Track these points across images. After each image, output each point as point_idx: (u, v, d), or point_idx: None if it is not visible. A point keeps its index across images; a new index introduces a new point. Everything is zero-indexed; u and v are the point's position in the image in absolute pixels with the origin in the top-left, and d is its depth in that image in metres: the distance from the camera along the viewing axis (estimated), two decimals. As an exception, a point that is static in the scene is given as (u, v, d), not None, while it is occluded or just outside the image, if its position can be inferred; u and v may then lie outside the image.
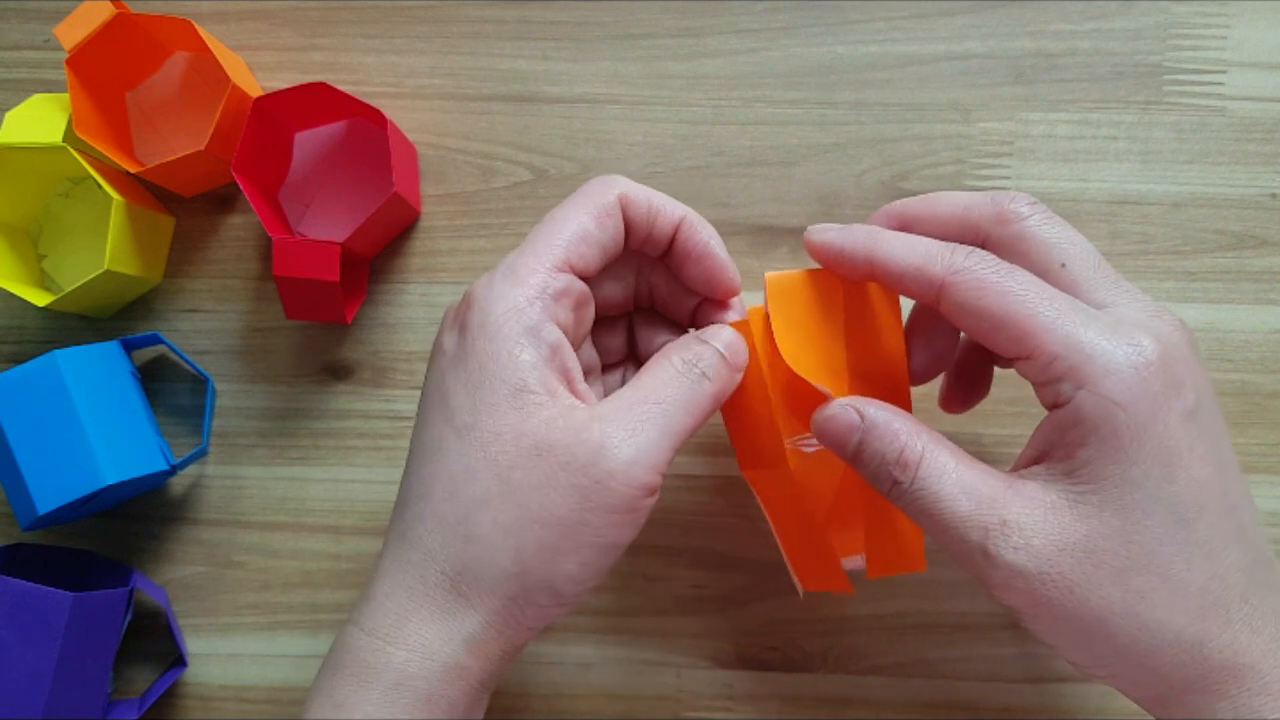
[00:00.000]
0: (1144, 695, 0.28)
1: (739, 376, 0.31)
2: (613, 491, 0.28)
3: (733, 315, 0.34)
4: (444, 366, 0.30)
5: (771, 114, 0.43)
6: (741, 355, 0.31)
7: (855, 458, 0.30)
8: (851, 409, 0.30)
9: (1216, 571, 0.27)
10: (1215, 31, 0.42)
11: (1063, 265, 0.29)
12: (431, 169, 0.43)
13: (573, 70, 0.43)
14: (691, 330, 0.32)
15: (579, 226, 0.31)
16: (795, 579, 0.35)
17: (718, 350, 0.31)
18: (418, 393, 0.42)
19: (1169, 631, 0.27)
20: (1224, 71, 0.42)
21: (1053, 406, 0.28)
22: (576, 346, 0.32)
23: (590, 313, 0.33)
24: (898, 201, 0.33)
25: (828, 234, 0.31)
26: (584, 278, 0.31)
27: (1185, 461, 0.27)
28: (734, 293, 0.34)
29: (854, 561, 0.34)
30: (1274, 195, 0.42)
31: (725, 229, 0.42)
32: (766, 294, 0.32)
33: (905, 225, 0.32)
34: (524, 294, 0.29)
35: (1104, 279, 0.29)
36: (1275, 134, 0.42)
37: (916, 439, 0.29)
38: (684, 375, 0.30)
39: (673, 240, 0.33)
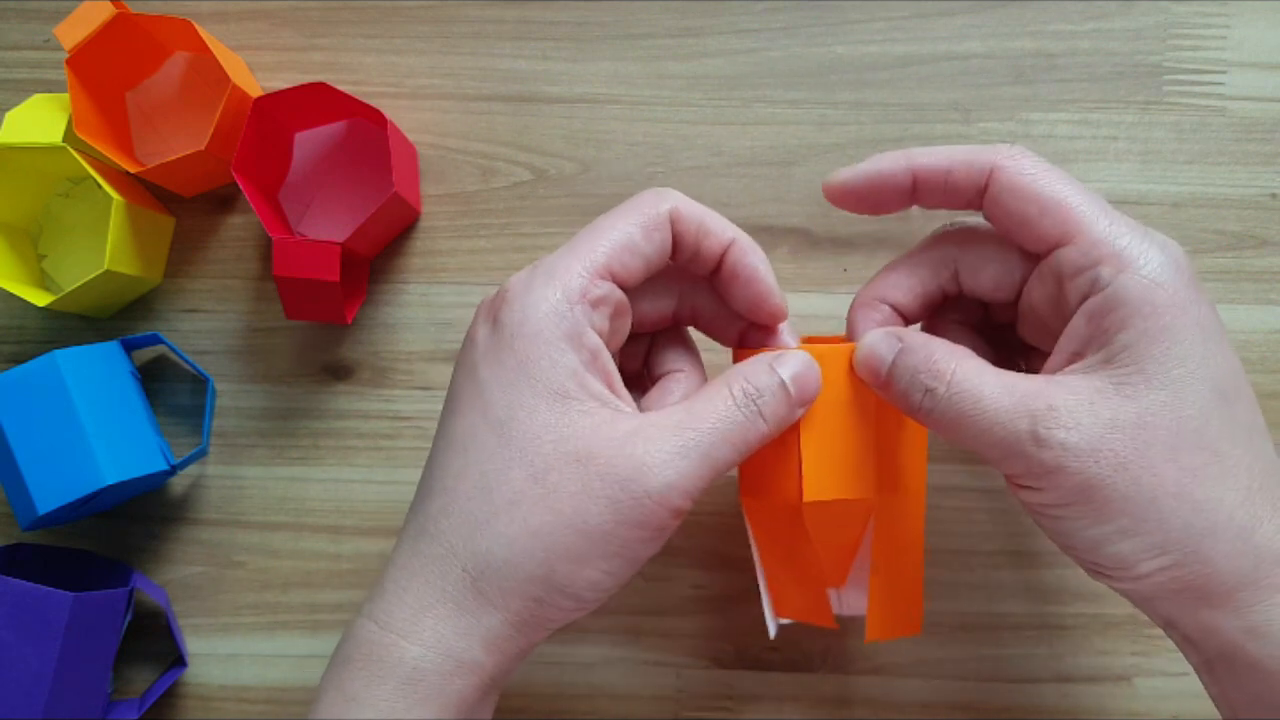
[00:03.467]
0: (1187, 599, 0.27)
1: (800, 412, 0.30)
2: (646, 510, 0.28)
3: (780, 340, 0.33)
4: (477, 359, 0.29)
5: (771, 114, 0.43)
6: (810, 388, 0.30)
7: (889, 376, 0.30)
8: (892, 335, 0.30)
9: (1260, 453, 0.27)
10: (1215, 31, 0.42)
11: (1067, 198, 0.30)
12: (431, 169, 0.43)
13: (573, 70, 0.43)
14: (764, 354, 0.31)
15: (625, 235, 0.30)
16: (769, 613, 0.34)
17: (782, 383, 0.29)
18: (417, 393, 0.42)
19: (1221, 513, 0.27)
20: (1224, 71, 0.42)
21: (1086, 296, 0.28)
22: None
23: (626, 324, 0.32)
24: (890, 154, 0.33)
25: (857, 166, 0.32)
26: (624, 288, 0.31)
27: (1221, 343, 0.28)
28: (780, 318, 0.33)
29: (840, 603, 0.34)
30: (1274, 195, 0.42)
31: (725, 229, 0.42)
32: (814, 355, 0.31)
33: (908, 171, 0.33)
34: (564, 296, 0.29)
35: (1113, 210, 0.30)
36: (1275, 134, 0.42)
37: (950, 352, 0.29)
38: (740, 408, 0.29)
39: (721, 261, 0.32)
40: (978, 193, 0.30)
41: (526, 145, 0.43)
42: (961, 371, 0.28)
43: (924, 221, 0.42)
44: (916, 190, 0.32)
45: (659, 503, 0.28)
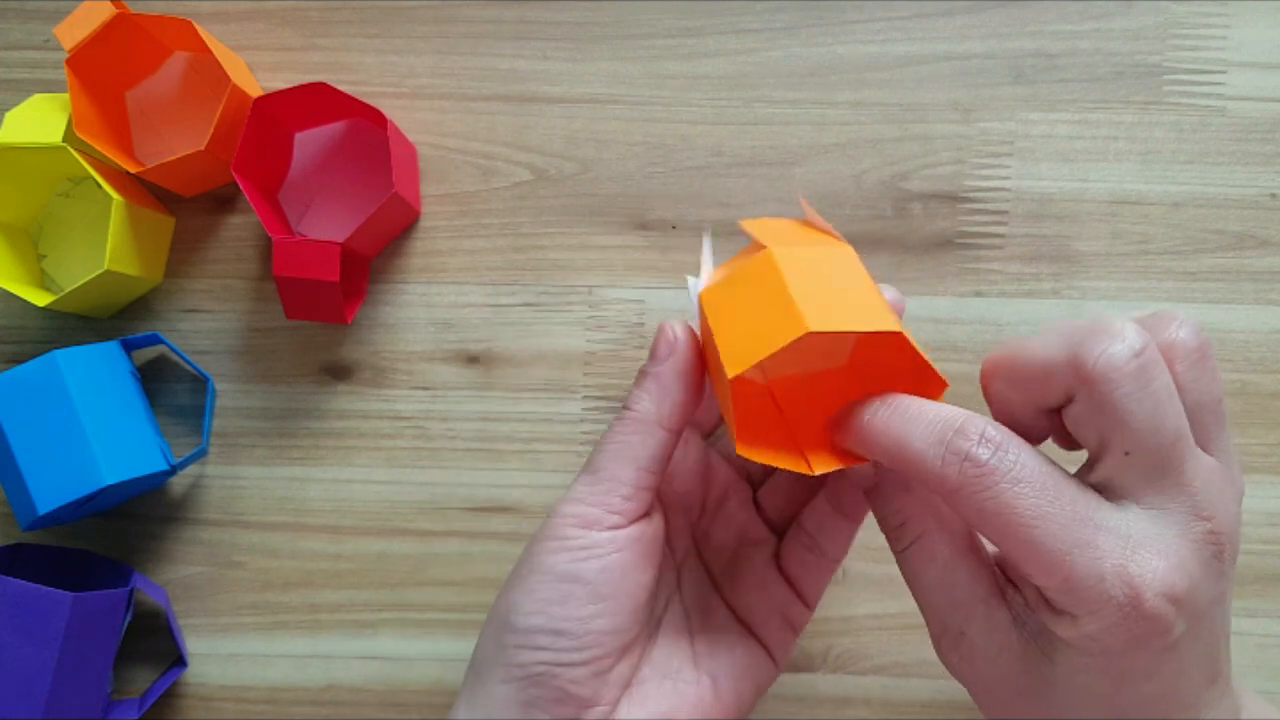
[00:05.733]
0: None
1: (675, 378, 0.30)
2: None
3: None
4: None
5: (771, 114, 0.43)
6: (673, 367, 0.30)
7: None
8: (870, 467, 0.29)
9: None
10: (1215, 31, 0.42)
11: (1126, 453, 0.25)
12: (431, 169, 0.43)
13: (573, 70, 0.43)
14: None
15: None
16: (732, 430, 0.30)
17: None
18: (417, 393, 0.42)
19: None
20: (1224, 71, 0.42)
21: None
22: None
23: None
24: (988, 358, 0.29)
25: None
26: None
27: (1136, 681, 0.25)
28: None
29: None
30: (1274, 195, 0.42)
31: (725, 229, 0.42)
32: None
33: (992, 379, 0.29)
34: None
35: (1158, 469, 0.25)
36: (1275, 134, 0.42)
37: (918, 523, 0.28)
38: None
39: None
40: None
41: (526, 145, 0.43)
42: (915, 550, 0.29)
43: (924, 220, 0.42)
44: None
45: None
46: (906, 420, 0.26)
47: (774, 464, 0.28)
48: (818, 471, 0.28)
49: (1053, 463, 0.25)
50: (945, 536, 0.28)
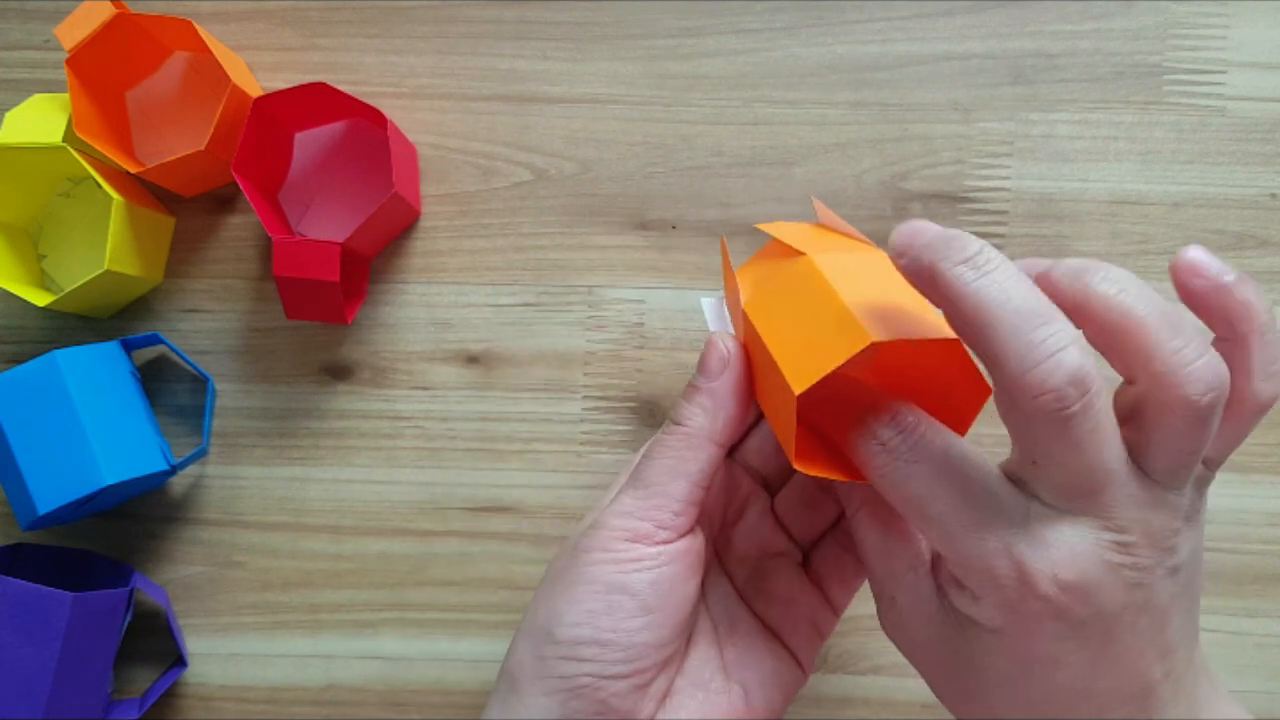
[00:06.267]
0: None
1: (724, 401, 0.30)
2: None
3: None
4: None
5: (771, 114, 0.43)
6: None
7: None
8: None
9: None
10: (1215, 31, 0.42)
11: (1034, 463, 0.25)
12: (432, 169, 0.43)
13: (573, 70, 0.43)
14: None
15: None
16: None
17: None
18: (418, 393, 0.42)
19: None
20: (1224, 72, 0.42)
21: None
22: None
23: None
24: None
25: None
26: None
27: (1044, 669, 0.26)
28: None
29: None
30: (1274, 195, 0.42)
31: (725, 229, 0.42)
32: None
33: None
34: None
35: (1070, 487, 0.24)
36: (1275, 134, 0.42)
37: (862, 489, 0.30)
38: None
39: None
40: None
41: (526, 145, 0.43)
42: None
43: (925, 218, 0.42)
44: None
45: None
46: None
47: (830, 476, 0.28)
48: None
49: (966, 448, 0.26)
50: (884, 505, 0.29)
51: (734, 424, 0.30)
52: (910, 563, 0.29)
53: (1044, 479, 0.25)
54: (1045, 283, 0.25)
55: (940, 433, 0.26)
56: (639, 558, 0.29)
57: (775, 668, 0.32)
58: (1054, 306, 0.24)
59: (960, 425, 0.28)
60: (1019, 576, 0.24)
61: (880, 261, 0.29)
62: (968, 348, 0.26)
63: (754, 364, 0.30)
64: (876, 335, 0.25)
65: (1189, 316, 0.25)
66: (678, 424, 0.30)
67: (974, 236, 0.24)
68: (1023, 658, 0.26)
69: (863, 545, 0.30)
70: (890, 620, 0.30)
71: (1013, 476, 0.26)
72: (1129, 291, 0.24)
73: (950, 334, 0.26)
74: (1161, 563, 0.25)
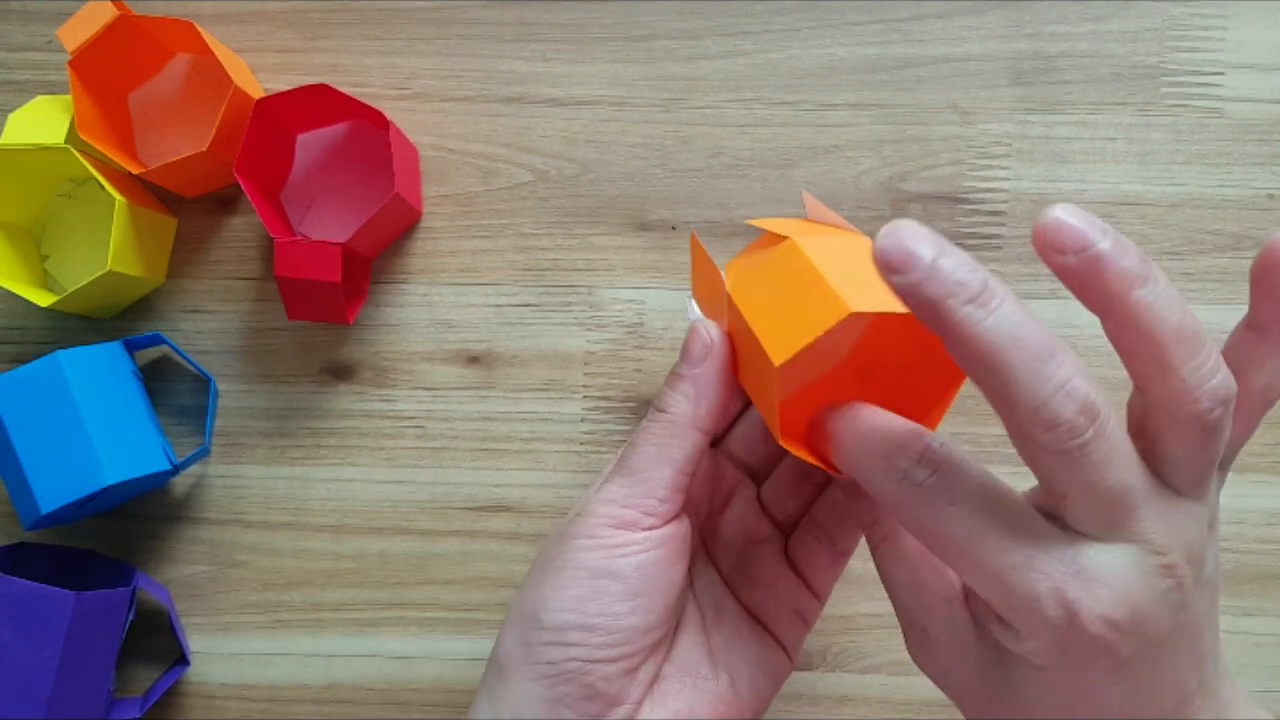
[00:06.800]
0: None
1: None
2: None
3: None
4: None
5: (771, 115, 0.43)
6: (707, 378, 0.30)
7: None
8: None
9: None
10: (1213, 33, 0.43)
11: (1064, 496, 0.24)
12: (433, 170, 0.43)
13: (573, 72, 0.43)
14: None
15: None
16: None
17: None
18: (419, 393, 0.42)
19: None
20: (1221, 73, 0.42)
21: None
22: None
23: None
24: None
25: None
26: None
27: (1090, 697, 0.25)
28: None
29: None
30: (1271, 196, 0.42)
31: (725, 229, 0.42)
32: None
33: None
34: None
35: (1103, 515, 0.24)
36: (1273, 135, 0.42)
37: (887, 521, 0.29)
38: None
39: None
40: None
41: (527, 146, 0.43)
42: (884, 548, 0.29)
43: (923, 221, 0.42)
44: None
45: None
46: (857, 433, 0.26)
47: (815, 461, 0.28)
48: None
49: (998, 480, 0.25)
50: (908, 538, 0.28)
51: (718, 410, 0.30)
52: (944, 595, 0.28)
53: (1077, 510, 0.24)
54: (1093, 268, 0.24)
55: (971, 465, 0.25)
56: (625, 543, 0.29)
57: (761, 655, 0.32)
58: (1054, 336, 0.23)
59: (934, 415, 0.28)
60: (1069, 618, 0.23)
61: (864, 246, 0.29)
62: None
63: (739, 349, 0.30)
64: (855, 306, 0.25)
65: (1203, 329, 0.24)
66: (662, 411, 0.30)
67: (968, 256, 0.23)
68: (1069, 691, 0.25)
69: (889, 579, 0.29)
70: (923, 652, 0.29)
71: (1045, 511, 0.25)
72: (1161, 300, 0.24)
73: None
74: (1197, 578, 0.25)
